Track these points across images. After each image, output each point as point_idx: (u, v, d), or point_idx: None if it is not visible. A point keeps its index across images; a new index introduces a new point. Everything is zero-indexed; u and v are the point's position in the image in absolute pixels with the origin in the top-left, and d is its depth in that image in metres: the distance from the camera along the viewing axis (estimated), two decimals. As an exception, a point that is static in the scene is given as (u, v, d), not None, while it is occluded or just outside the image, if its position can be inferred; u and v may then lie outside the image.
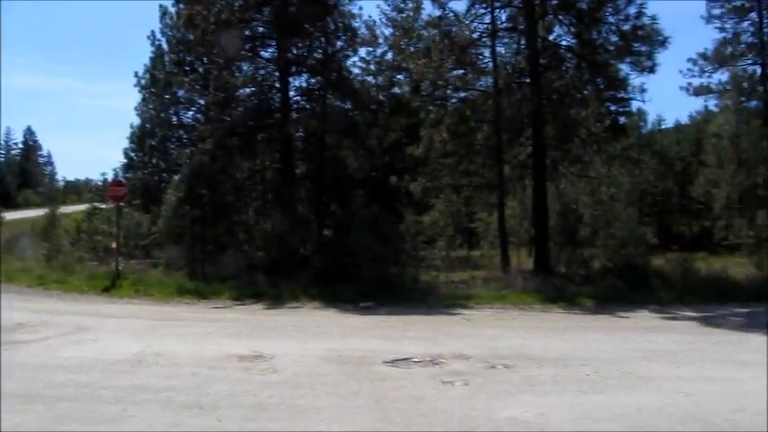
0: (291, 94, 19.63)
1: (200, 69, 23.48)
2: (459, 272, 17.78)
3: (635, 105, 29.66)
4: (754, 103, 29.49)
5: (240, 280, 15.38)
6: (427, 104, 21.50)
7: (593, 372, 6.83)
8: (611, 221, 17.20)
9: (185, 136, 26.32)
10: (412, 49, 22.14)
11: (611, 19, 16.70)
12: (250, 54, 19.18)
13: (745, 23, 32.43)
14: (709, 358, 7.70)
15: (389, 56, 28.23)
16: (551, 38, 17.97)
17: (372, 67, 28.32)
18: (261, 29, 19.37)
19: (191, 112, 26.70)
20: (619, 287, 14.03)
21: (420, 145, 18.96)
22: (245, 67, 19.69)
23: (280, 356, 7.58)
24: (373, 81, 28.36)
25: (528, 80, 17.77)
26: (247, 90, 19.98)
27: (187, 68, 24.92)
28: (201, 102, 24.43)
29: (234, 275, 15.75)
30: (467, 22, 17.85)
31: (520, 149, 18.82)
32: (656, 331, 9.88)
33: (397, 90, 29.00)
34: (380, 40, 26.63)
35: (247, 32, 18.69)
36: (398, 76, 28.30)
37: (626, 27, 16.56)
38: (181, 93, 25.80)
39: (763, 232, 19.59)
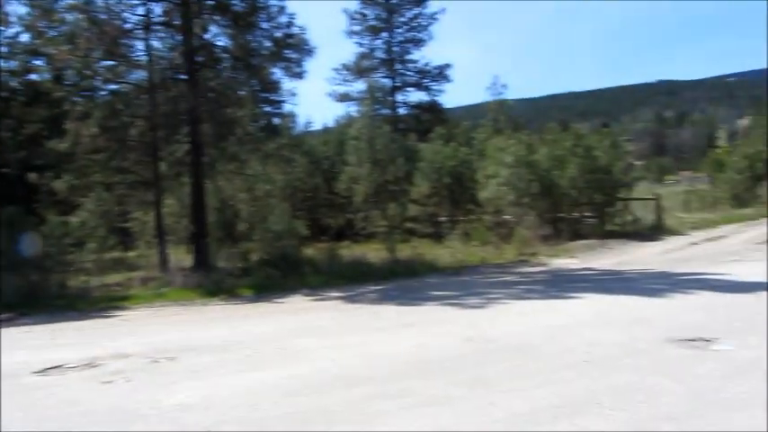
0: None
1: None
2: (114, 274, 16.88)
3: (287, 108, 31.97)
4: (386, 111, 34.42)
5: None
6: (72, 95, 19.71)
7: (253, 352, 7.40)
8: (267, 216, 18.25)
9: None
10: (53, 33, 19.97)
11: (264, 25, 17.64)
12: None
13: (379, 41, 37.78)
14: (349, 329, 8.96)
15: (25, 38, 25.04)
16: (208, 37, 18.17)
17: (4, 49, 24.82)
18: None
19: None
20: (275, 276, 14.95)
21: (65, 139, 17.29)
22: None
23: None
24: (5, 65, 24.91)
25: (184, 77, 17.69)
26: None
27: None
28: None
29: None
30: (117, 11, 16.92)
31: (177, 146, 18.59)
32: (307, 311, 11.00)
33: (35, 77, 25.84)
34: (13, 19, 23.50)
35: None
36: (37, 62, 25.23)
37: (278, 34, 17.68)
38: None
39: (393, 222, 22.95)
